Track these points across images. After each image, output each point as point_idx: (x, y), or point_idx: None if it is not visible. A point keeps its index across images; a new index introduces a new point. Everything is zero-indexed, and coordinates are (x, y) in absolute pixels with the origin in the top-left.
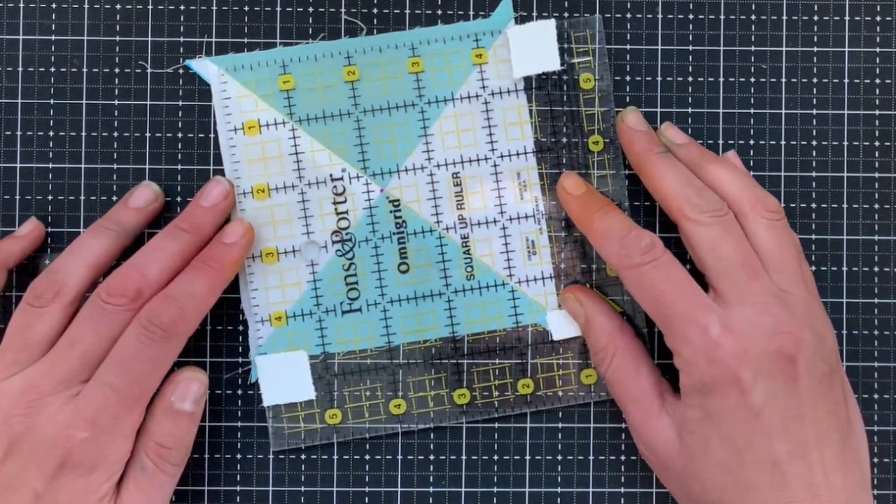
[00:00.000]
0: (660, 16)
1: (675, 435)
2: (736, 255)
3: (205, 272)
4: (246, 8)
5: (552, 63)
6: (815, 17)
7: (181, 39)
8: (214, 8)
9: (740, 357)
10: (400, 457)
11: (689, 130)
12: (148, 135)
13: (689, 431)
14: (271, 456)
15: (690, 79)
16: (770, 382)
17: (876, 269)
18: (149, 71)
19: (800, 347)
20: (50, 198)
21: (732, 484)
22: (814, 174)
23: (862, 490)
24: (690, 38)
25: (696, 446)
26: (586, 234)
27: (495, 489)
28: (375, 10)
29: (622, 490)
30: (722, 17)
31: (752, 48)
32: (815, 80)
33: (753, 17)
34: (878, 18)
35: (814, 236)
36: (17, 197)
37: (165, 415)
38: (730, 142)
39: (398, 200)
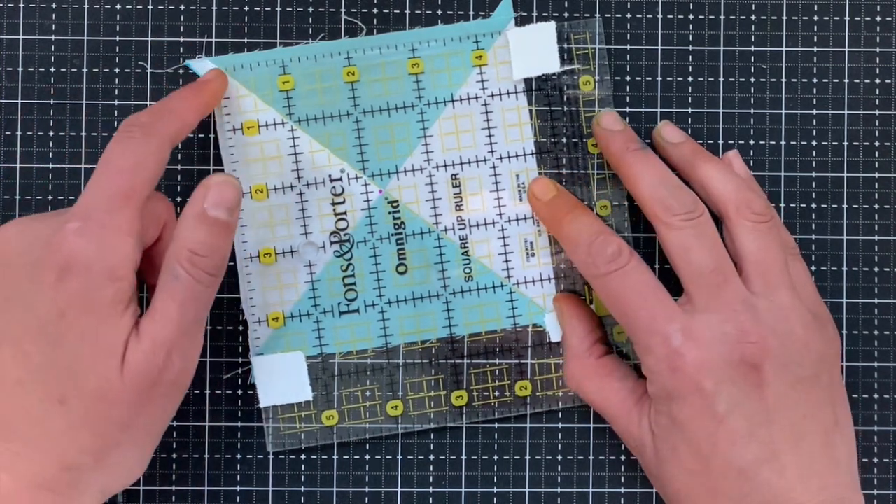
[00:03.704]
0: (660, 16)
1: (651, 441)
2: (706, 261)
3: (184, 89)
4: (246, 8)
5: (552, 65)
6: (815, 17)
7: (181, 39)
8: (214, 8)
9: (701, 366)
10: (400, 457)
11: (689, 130)
12: None
13: (660, 438)
14: (271, 456)
15: (690, 79)
16: (734, 390)
17: (876, 269)
18: (149, 71)
19: (765, 355)
20: (50, 198)
21: (700, 490)
22: (814, 174)
23: (847, 491)
24: (690, 38)
25: (665, 452)
26: (557, 239)
27: (495, 489)
28: (375, 10)
29: (622, 490)
30: (722, 17)
31: (752, 48)
32: (815, 80)
33: (753, 17)
34: (878, 18)
35: (814, 236)
36: (17, 197)
37: (198, 221)
38: (730, 142)
39: (397, 201)
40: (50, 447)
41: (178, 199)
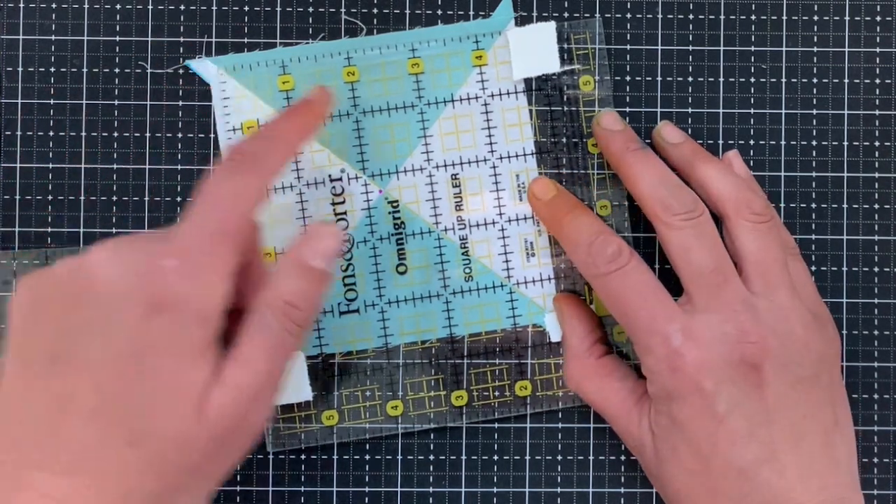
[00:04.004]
0: (660, 16)
1: (651, 441)
2: (706, 261)
3: (289, 112)
4: (246, 8)
5: (552, 65)
6: (815, 17)
7: (181, 39)
8: (214, 8)
9: (701, 366)
10: (400, 457)
11: (689, 130)
12: (148, 135)
13: (660, 438)
14: (271, 456)
15: (690, 79)
16: (734, 390)
17: (876, 269)
18: (149, 71)
19: (765, 355)
20: (50, 198)
21: (700, 490)
22: (814, 174)
23: (847, 491)
24: (690, 38)
25: (665, 452)
26: (557, 239)
27: (495, 489)
28: (375, 10)
29: (622, 490)
30: (722, 17)
31: (752, 48)
32: (815, 80)
33: (753, 17)
34: (878, 18)
35: (814, 236)
36: (17, 197)
37: (298, 271)
38: (730, 142)
39: (397, 201)
40: (115, 487)
41: (178, 199)
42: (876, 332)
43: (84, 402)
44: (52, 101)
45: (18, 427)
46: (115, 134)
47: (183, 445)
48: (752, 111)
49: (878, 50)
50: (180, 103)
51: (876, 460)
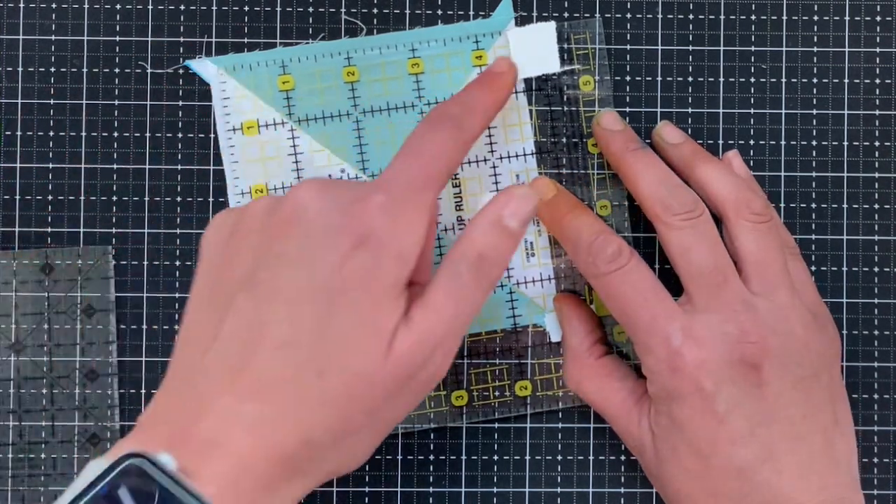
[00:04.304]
0: (660, 16)
1: (651, 441)
2: (706, 261)
3: (479, 82)
4: (246, 8)
5: (552, 65)
6: (815, 17)
7: (181, 39)
8: (214, 8)
9: (702, 366)
10: (400, 457)
11: (689, 130)
12: (148, 135)
13: (660, 438)
14: None
15: (690, 79)
16: (734, 390)
17: (876, 269)
18: (149, 71)
19: (765, 355)
20: (50, 198)
21: (700, 490)
22: (814, 174)
23: (847, 490)
24: (690, 38)
25: (665, 452)
26: (557, 239)
27: (495, 489)
28: (375, 10)
29: (622, 490)
30: (722, 17)
31: (752, 48)
32: (815, 80)
33: (753, 17)
34: (878, 18)
35: (814, 236)
36: (17, 197)
37: (492, 227)
38: (730, 142)
39: None
40: (299, 419)
41: (178, 199)
42: (876, 332)
43: (277, 332)
44: (52, 101)
45: (205, 352)
46: (115, 134)
47: (369, 383)
48: (752, 111)
49: (878, 50)
50: (180, 103)
51: (876, 460)
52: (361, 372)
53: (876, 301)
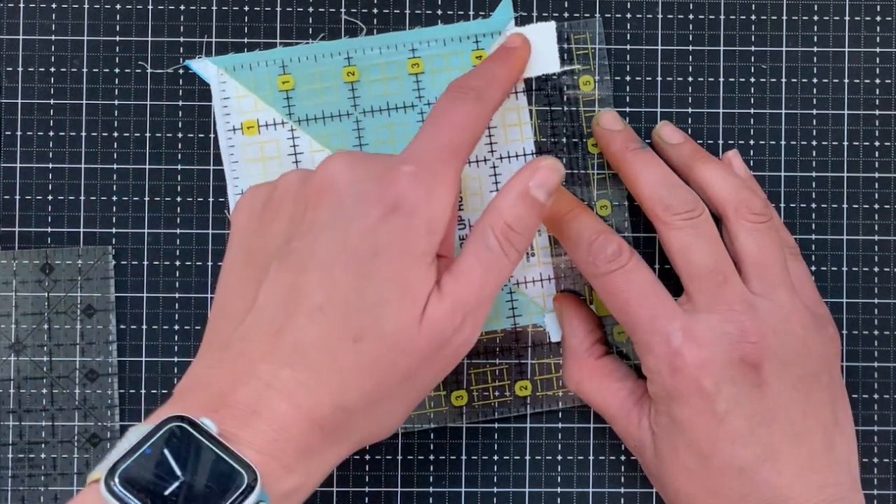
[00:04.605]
0: (660, 16)
1: (651, 441)
2: (706, 261)
3: (497, 57)
4: (246, 8)
5: (552, 65)
6: (815, 17)
7: (181, 39)
8: (214, 8)
9: (702, 366)
10: (400, 457)
11: (689, 130)
12: (148, 135)
13: (660, 438)
14: None
15: (690, 79)
16: (734, 389)
17: (876, 269)
18: (149, 71)
19: (765, 354)
20: (50, 198)
21: (700, 490)
22: (814, 174)
23: (847, 490)
24: (690, 38)
25: (665, 452)
26: (558, 238)
27: (495, 489)
28: (375, 10)
29: (622, 490)
30: (722, 17)
31: (752, 48)
32: (815, 80)
33: (753, 17)
34: (878, 18)
35: (814, 236)
36: (17, 197)
37: (520, 198)
38: (730, 142)
39: None
40: (334, 384)
41: (178, 199)
42: (876, 332)
43: (312, 297)
44: (52, 101)
45: (241, 321)
46: (115, 134)
47: (403, 348)
48: (752, 111)
49: (878, 50)
50: (180, 103)
51: (876, 460)
52: (396, 337)
53: (876, 301)
